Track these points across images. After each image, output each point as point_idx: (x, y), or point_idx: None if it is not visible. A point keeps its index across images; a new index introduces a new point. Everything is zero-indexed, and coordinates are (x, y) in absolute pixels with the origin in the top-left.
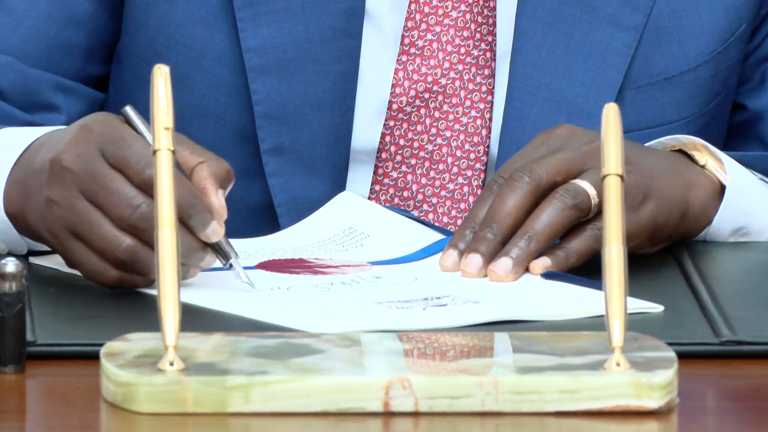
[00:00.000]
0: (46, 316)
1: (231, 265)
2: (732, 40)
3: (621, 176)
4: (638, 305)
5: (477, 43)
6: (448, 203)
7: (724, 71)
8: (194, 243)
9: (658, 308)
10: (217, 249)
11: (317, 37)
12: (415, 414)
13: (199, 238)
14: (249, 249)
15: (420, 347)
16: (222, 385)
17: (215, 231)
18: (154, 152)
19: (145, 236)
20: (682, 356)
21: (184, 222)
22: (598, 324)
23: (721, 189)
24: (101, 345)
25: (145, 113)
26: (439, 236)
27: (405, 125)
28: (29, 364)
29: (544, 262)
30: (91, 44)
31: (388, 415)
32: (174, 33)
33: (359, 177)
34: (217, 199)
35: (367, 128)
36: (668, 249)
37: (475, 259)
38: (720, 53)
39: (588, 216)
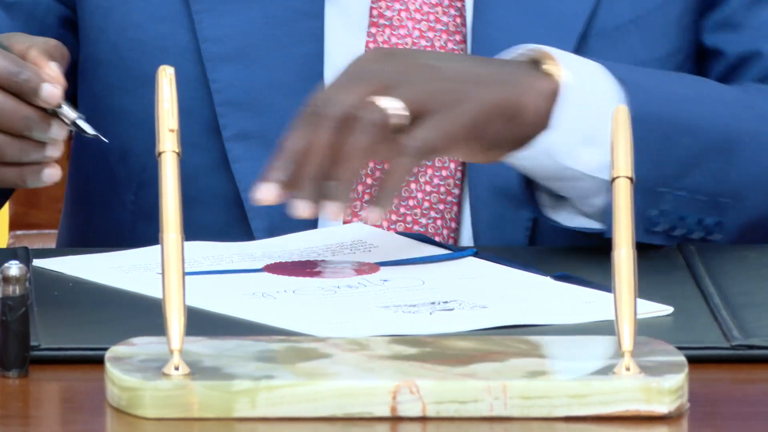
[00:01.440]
0: (50, 320)
1: (75, 124)
2: None
3: (631, 179)
4: (647, 307)
5: (446, 9)
6: (429, 171)
7: (693, 4)
8: (30, 112)
9: (667, 309)
10: (60, 115)
11: (276, 21)
12: (423, 419)
13: (37, 107)
14: (256, 252)
15: (428, 351)
16: (228, 389)
17: (51, 93)
18: (159, 154)
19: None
20: (693, 360)
21: (15, 93)
22: (607, 328)
23: None
24: (106, 349)
25: (120, 119)
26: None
27: None
28: (33, 369)
29: (373, 214)
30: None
31: (395, 420)
32: (135, 33)
33: None
34: (50, 68)
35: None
36: (678, 251)
37: (303, 205)
38: None
39: (401, 127)
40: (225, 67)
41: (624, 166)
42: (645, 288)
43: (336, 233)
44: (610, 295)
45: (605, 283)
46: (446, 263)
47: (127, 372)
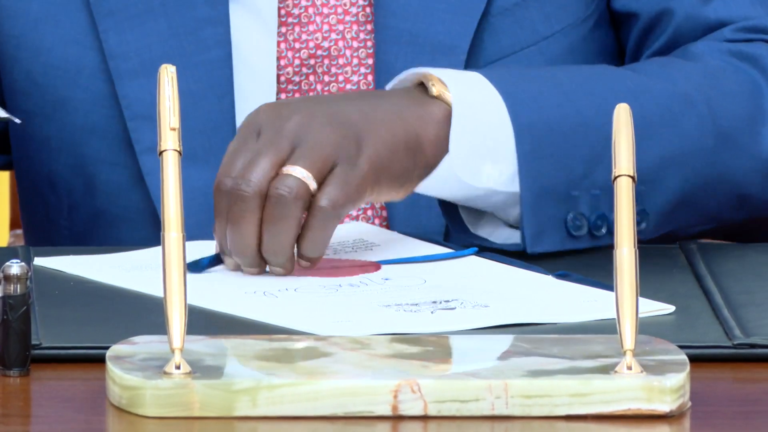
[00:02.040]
0: (51, 319)
1: None
2: None
3: (632, 177)
4: (649, 306)
5: (354, 1)
6: None
7: None
8: None
9: (669, 308)
10: None
11: (181, 31)
12: (424, 418)
13: None
14: None
15: (429, 350)
16: (229, 388)
17: None
18: (161, 153)
19: None
20: (695, 359)
21: None
22: (609, 327)
23: None
24: (107, 348)
25: (43, 145)
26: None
27: (297, 96)
28: (34, 368)
29: (304, 266)
30: None
31: (396, 418)
32: (47, 59)
33: None
34: None
35: (256, 107)
36: (679, 250)
37: (252, 271)
38: None
39: (312, 193)
40: (133, 82)
41: (625, 165)
42: (646, 287)
43: (337, 232)
44: (612, 294)
45: (607, 282)
46: (448, 262)
47: (128, 371)
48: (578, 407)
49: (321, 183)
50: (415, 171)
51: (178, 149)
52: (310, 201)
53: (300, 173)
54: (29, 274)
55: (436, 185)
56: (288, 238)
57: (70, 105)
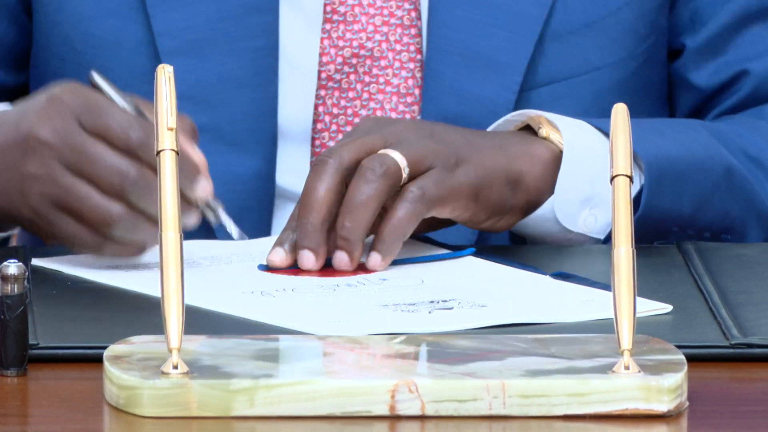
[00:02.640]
0: (49, 319)
1: (218, 219)
2: None
3: (629, 177)
4: (647, 305)
5: (400, 3)
6: None
7: (649, 12)
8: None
9: (666, 308)
10: (202, 208)
11: (229, 15)
12: (422, 418)
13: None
14: (254, 251)
15: (427, 350)
16: (226, 388)
17: (203, 187)
18: (158, 153)
19: (135, 200)
20: (692, 359)
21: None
22: (606, 326)
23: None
24: (104, 348)
25: None
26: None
27: (336, 93)
28: (31, 367)
29: (374, 260)
30: None
31: (394, 418)
32: (88, 27)
33: (295, 151)
34: (196, 153)
35: (296, 101)
36: (677, 250)
37: (306, 255)
38: None
39: (402, 181)
40: (178, 61)
41: (623, 164)
42: (644, 287)
43: None
44: (609, 294)
45: (604, 282)
46: (445, 262)
47: (126, 371)
48: (576, 407)
49: (414, 178)
50: (512, 204)
51: (176, 149)
52: (398, 190)
53: (395, 155)
54: (27, 273)
55: (533, 224)
56: (366, 214)
57: (108, 75)
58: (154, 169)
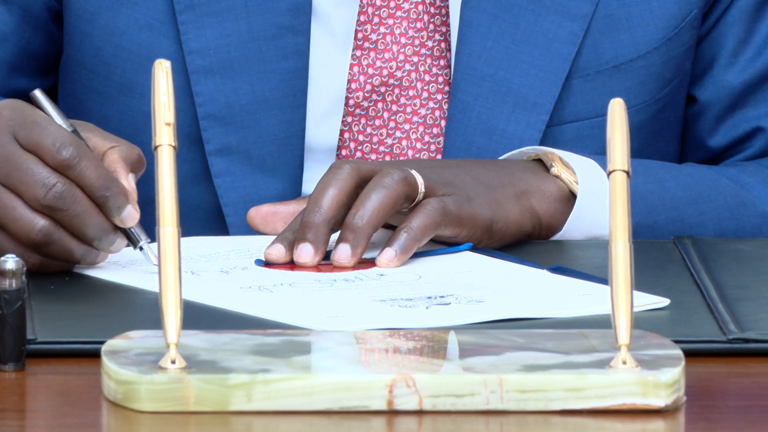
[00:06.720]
0: (47, 314)
1: (141, 248)
2: (683, 26)
3: (627, 172)
4: (644, 299)
5: (431, 34)
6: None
7: (676, 57)
8: (106, 225)
9: (664, 302)
10: (128, 233)
11: (261, 35)
12: (419, 412)
13: (110, 221)
14: (252, 247)
15: (424, 345)
16: (224, 383)
17: (131, 215)
18: (155, 148)
19: (60, 217)
20: (689, 354)
21: (98, 204)
22: (604, 321)
23: (574, 198)
24: (102, 342)
25: (99, 124)
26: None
27: (363, 120)
28: (29, 362)
29: (388, 255)
30: (14, 59)
31: (392, 413)
32: (120, 40)
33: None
34: (128, 182)
35: (322, 125)
36: (674, 245)
37: (306, 248)
38: (671, 39)
39: (417, 195)
40: (209, 80)
41: (620, 159)
42: (641, 282)
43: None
44: (607, 288)
45: (601, 276)
46: (442, 257)
47: (124, 365)
48: (573, 402)
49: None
50: (519, 237)
51: (174, 144)
52: (413, 201)
53: (414, 173)
54: (24, 268)
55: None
56: (378, 212)
57: (137, 90)
58: (83, 186)
